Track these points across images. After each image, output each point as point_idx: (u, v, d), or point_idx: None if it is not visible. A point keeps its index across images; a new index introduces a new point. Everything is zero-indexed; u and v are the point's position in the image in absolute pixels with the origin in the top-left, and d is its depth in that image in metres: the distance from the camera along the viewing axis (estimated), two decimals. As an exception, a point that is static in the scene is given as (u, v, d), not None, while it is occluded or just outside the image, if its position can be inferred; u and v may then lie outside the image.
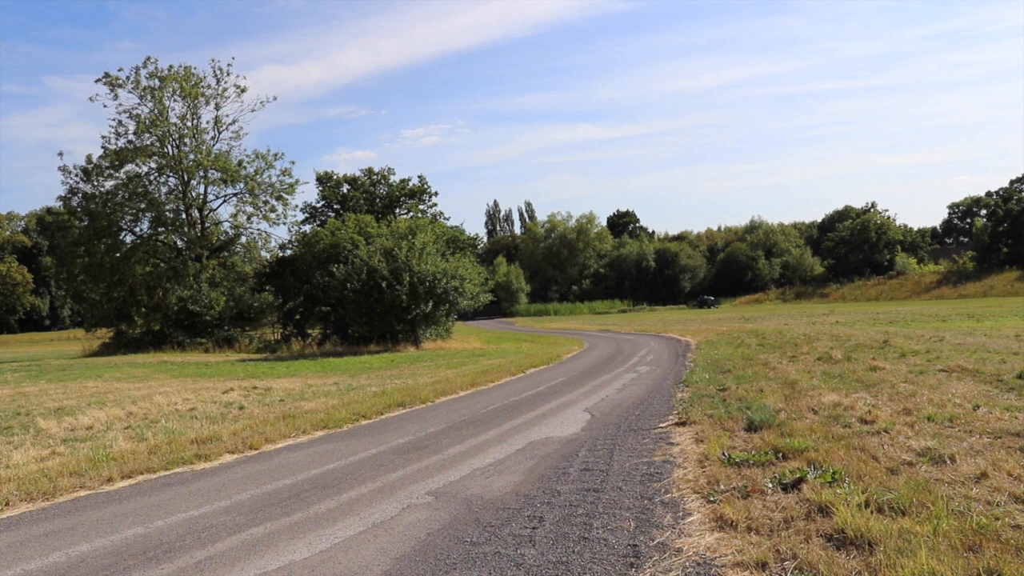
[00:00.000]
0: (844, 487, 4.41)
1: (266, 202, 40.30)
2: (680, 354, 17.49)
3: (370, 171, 46.70)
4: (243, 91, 39.80)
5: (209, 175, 39.41)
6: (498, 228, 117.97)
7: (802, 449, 5.48)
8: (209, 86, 39.23)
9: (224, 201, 41.67)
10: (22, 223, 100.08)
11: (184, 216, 39.89)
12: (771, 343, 18.17)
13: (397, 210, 45.42)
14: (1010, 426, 5.98)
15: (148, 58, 50.32)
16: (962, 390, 8.14)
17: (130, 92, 38.04)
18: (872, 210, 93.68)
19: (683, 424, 7.28)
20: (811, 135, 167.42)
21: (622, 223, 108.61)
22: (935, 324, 24.48)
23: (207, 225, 40.61)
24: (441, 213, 45.61)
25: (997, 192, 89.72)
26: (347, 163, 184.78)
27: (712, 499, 4.52)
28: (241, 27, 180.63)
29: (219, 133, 40.04)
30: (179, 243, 40.39)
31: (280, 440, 8.02)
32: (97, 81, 37.82)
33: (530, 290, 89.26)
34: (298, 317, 35.60)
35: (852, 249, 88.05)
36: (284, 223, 52.71)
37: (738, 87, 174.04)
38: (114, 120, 39.77)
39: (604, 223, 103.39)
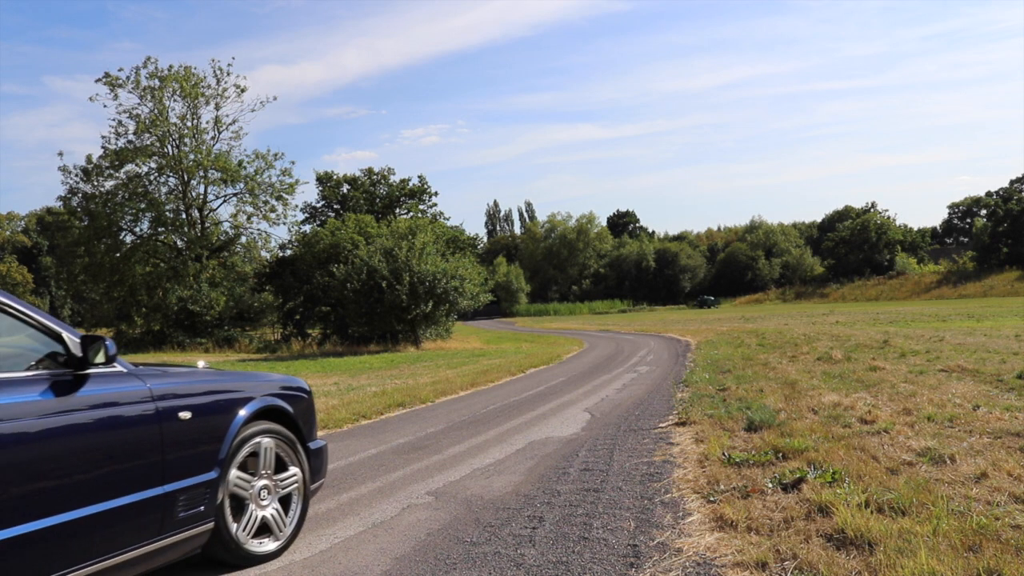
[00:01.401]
0: (844, 487, 4.41)
1: (266, 202, 40.34)
2: (680, 354, 17.49)
3: (370, 171, 46.70)
4: (243, 91, 39.88)
5: (209, 175, 39.43)
6: (498, 228, 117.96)
7: (802, 449, 5.47)
8: (209, 86, 39.28)
9: (224, 201, 41.73)
10: (22, 223, 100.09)
11: (184, 216, 39.91)
12: (771, 343, 18.17)
13: (397, 210, 45.42)
14: (1010, 426, 5.98)
15: (148, 58, 50.37)
16: (962, 390, 8.14)
17: (130, 92, 38.10)
18: (872, 210, 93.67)
19: (683, 424, 7.28)
20: (811, 135, 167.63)
21: (622, 223, 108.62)
22: (935, 324, 24.48)
23: (207, 225, 40.64)
24: (441, 213, 45.65)
25: (997, 192, 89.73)
26: (347, 163, 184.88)
27: (712, 499, 4.52)
28: (241, 27, 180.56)
29: (219, 133, 40.10)
30: (179, 243, 40.43)
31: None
32: (97, 81, 37.89)
33: (530, 290, 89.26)
34: (298, 317, 35.63)
35: (852, 249, 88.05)
36: (284, 223, 52.74)
37: (738, 87, 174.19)
38: (114, 120, 39.90)
39: (604, 223, 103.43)
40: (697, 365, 13.73)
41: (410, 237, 29.17)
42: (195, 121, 39.28)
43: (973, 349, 13.05)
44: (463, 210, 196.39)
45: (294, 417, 4.28)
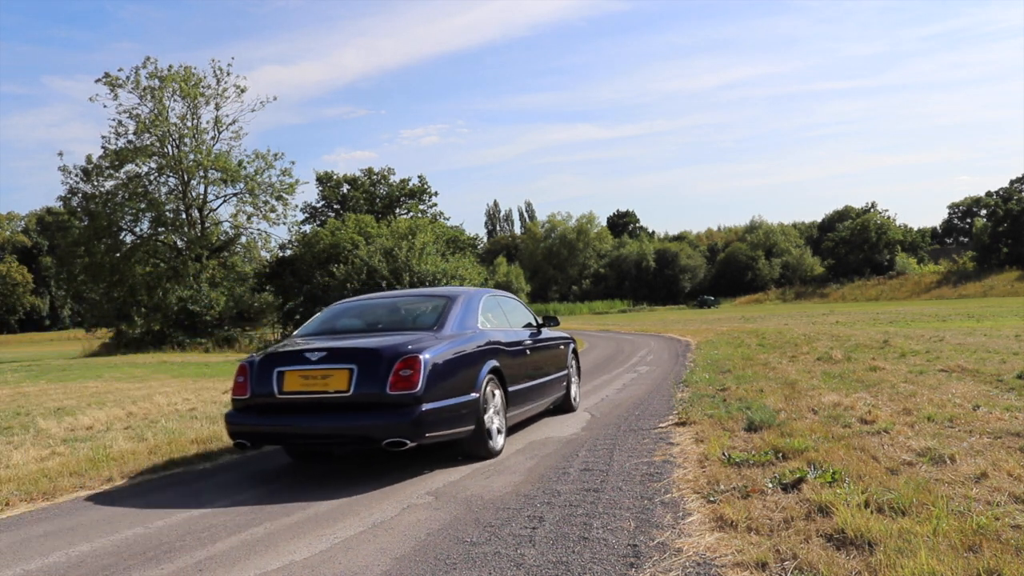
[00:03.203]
0: (844, 487, 4.41)
1: (266, 202, 40.35)
2: (680, 354, 17.47)
3: (370, 171, 46.76)
4: (243, 91, 39.87)
5: (209, 175, 39.44)
6: (498, 228, 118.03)
7: (802, 449, 5.47)
8: (209, 86, 39.30)
9: (224, 201, 41.73)
10: (22, 223, 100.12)
11: (184, 216, 39.92)
12: (771, 343, 18.16)
13: (397, 210, 45.47)
14: (1010, 426, 5.97)
15: (148, 58, 50.35)
16: (962, 390, 8.13)
17: (130, 92, 38.11)
18: (872, 210, 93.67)
19: (683, 424, 7.27)
20: (811, 135, 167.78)
21: (622, 223, 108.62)
22: (935, 324, 24.47)
23: (207, 225, 40.64)
24: (441, 213, 45.77)
25: (997, 192, 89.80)
26: (346, 163, 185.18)
27: (712, 499, 4.52)
28: (239, 27, 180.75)
29: (219, 133, 40.12)
30: (179, 243, 40.43)
31: (280, 440, 8.00)
32: (97, 81, 37.91)
33: (530, 290, 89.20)
34: (298, 317, 35.55)
35: (852, 249, 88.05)
36: (284, 223, 52.74)
37: (738, 87, 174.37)
38: (114, 120, 39.92)
39: (604, 223, 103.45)
40: (697, 365, 13.72)
41: (410, 237, 29.18)
42: (195, 121, 39.30)
43: (973, 349, 13.04)
44: (463, 210, 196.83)
45: (575, 348, 9.25)
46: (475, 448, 6.21)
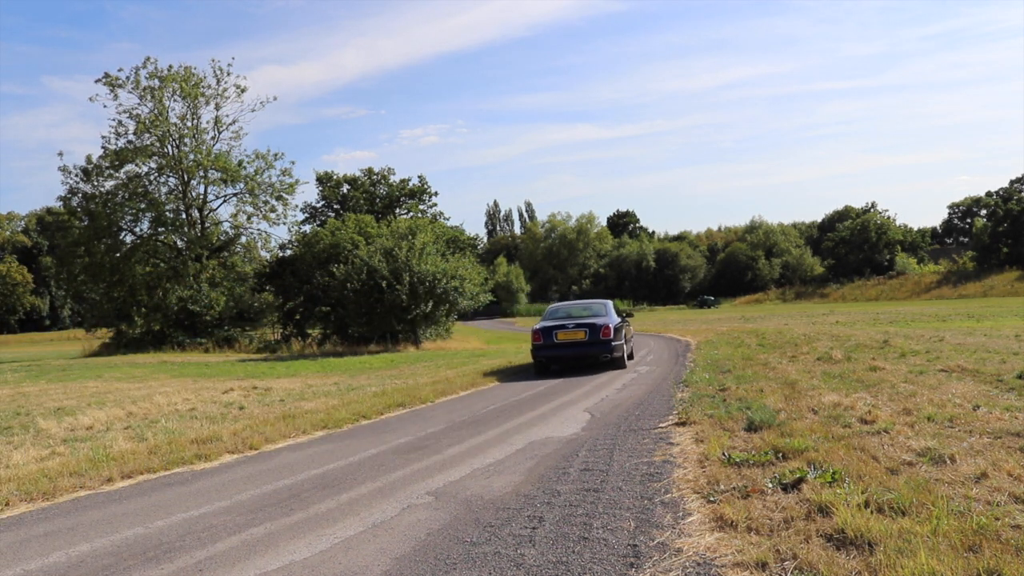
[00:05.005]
0: (844, 487, 4.41)
1: (266, 202, 40.26)
2: (680, 354, 17.48)
3: (370, 171, 46.75)
4: (243, 91, 39.74)
5: (209, 175, 39.35)
6: (498, 228, 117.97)
7: (802, 449, 5.47)
8: (209, 86, 39.20)
9: (224, 201, 41.65)
10: (22, 223, 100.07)
11: (184, 216, 39.83)
12: (771, 343, 18.16)
13: (397, 210, 45.46)
14: (1010, 426, 5.97)
15: (148, 58, 50.27)
16: (962, 390, 8.13)
17: (130, 92, 38.00)
18: (872, 210, 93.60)
19: (683, 424, 7.27)
20: (811, 135, 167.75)
21: (622, 223, 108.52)
22: (935, 324, 24.47)
23: (207, 225, 40.56)
24: (441, 213, 45.72)
25: (997, 192, 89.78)
26: (346, 163, 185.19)
27: (712, 499, 4.52)
28: (239, 27, 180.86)
29: (219, 133, 40.03)
30: (179, 243, 40.34)
31: (280, 440, 8.02)
32: (97, 81, 37.80)
33: (530, 290, 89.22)
34: (298, 317, 35.56)
35: (852, 249, 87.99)
36: (284, 223, 52.68)
37: (738, 87, 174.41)
38: (114, 120, 39.84)
39: (604, 223, 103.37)
40: (697, 365, 13.72)
41: (410, 237, 29.14)
42: (195, 121, 39.21)
43: (973, 349, 13.04)
44: (463, 210, 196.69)
45: (633, 329, 19.95)
46: (620, 363, 14.45)
